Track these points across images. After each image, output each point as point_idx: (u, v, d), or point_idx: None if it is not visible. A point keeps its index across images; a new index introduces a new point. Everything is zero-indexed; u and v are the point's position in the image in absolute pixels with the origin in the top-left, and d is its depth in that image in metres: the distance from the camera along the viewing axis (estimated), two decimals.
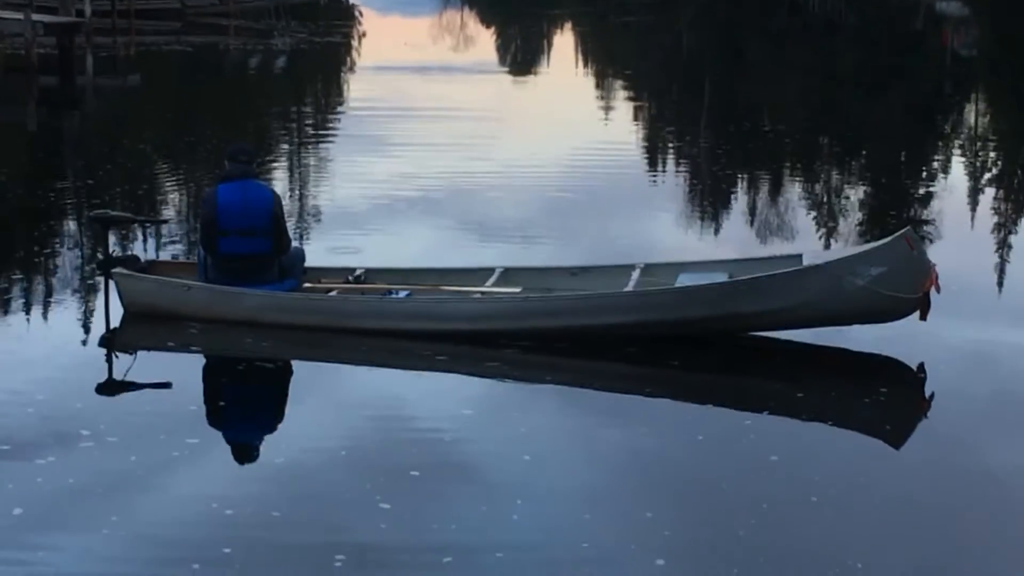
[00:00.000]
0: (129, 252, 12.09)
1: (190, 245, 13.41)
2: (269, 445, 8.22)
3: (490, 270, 11.06)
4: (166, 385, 9.16)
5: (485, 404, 8.88)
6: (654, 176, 18.85)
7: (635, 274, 10.67)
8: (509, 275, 10.97)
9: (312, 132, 22.85)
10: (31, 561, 6.23)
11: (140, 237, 13.73)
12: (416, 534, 6.59)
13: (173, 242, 13.84)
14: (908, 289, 9.55)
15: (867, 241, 12.43)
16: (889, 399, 8.98)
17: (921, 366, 9.48)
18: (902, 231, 9.74)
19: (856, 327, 9.81)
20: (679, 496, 7.13)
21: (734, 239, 14.47)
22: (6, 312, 11.14)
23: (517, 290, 10.62)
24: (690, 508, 6.96)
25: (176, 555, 6.28)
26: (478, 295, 10.51)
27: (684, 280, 10.30)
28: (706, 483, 7.34)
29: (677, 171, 19.33)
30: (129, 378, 9.26)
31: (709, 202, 17.04)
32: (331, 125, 24.04)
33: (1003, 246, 14.29)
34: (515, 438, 8.08)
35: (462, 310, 10.20)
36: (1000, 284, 12.52)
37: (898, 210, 16.21)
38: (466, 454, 7.83)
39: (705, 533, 6.64)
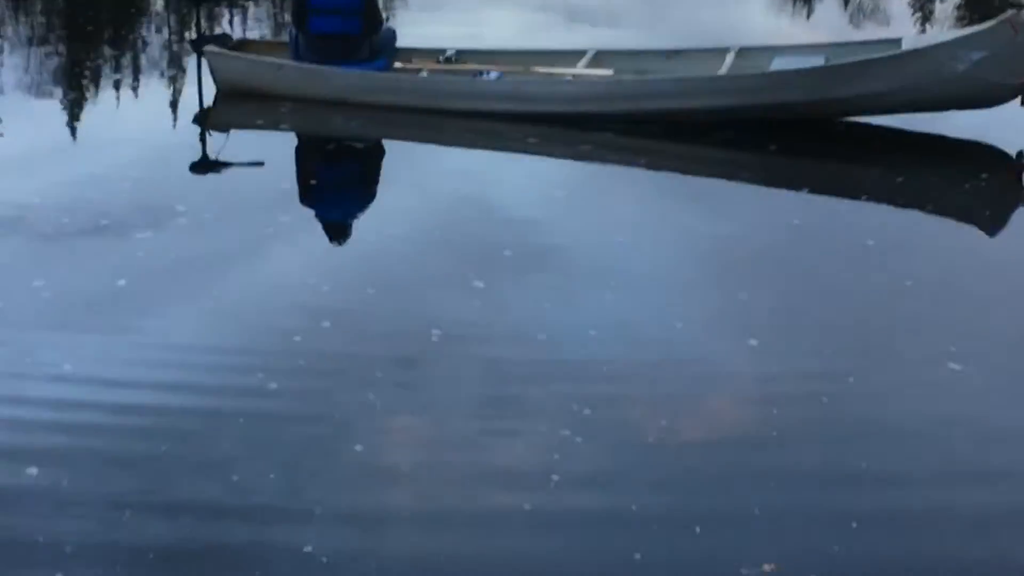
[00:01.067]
0: (220, 31, 12.06)
1: (279, 25, 13.34)
2: (362, 224, 8.27)
3: (582, 52, 10.92)
4: (259, 163, 9.19)
5: (577, 187, 8.84)
6: None
7: (729, 57, 10.49)
8: (602, 57, 10.83)
9: None
10: (139, 328, 6.33)
11: (230, 15, 13.68)
12: (510, 312, 6.62)
13: (262, 21, 13.78)
14: (1010, 74, 9.33)
15: (967, 25, 12.11)
16: (987, 186, 8.84)
17: (1020, 153, 9.31)
18: (1006, 14, 9.45)
19: (954, 113, 9.61)
20: (773, 279, 7.10)
21: (829, 24, 14.18)
22: (99, 90, 11.20)
23: (610, 72, 10.49)
24: (784, 291, 6.93)
25: (276, 325, 6.36)
26: (570, 77, 10.40)
27: (779, 64, 10.12)
28: (800, 267, 7.30)
29: None
30: (222, 156, 9.30)
31: None
32: None
33: None
34: (608, 221, 8.05)
35: (555, 91, 10.11)
36: None
37: None
38: (558, 236, 7.81)
39: (798, 315, 6.62)
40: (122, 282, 6.92)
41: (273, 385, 5.76)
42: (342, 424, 5.44)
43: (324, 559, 4.43)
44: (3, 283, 6.92)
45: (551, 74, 10.53)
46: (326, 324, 6.39)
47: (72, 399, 5.63)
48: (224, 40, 10.94)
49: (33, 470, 5.01)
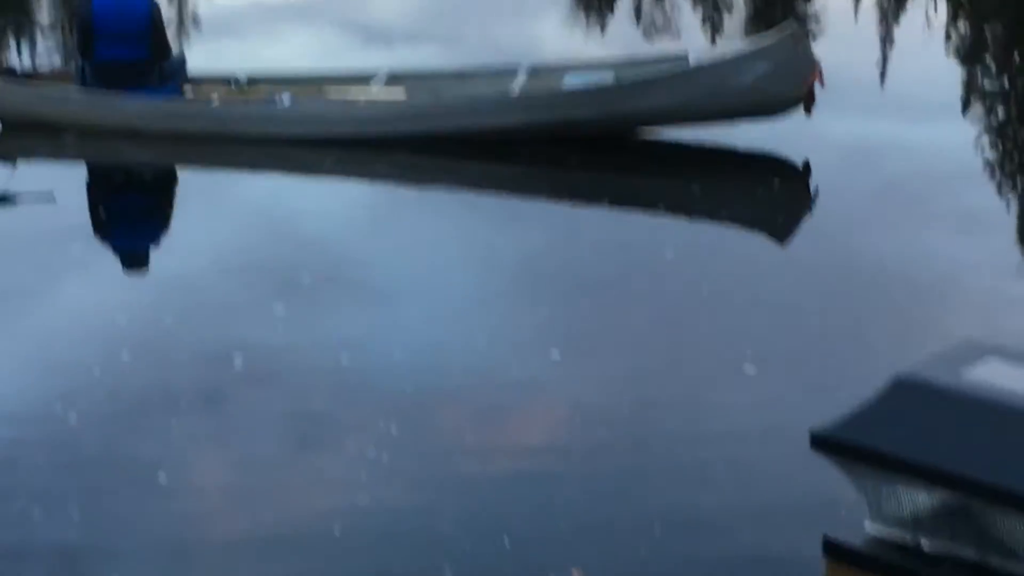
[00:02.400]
0: (6, 66, 11.78)
1: (67, 54, 13.07)
2: (157, 254, 8.16)
3: (374, 74, 10.91)
4: (47, 195, 8.96)
5: (376, 209, 8.83)
6: None
7: (521, 76, 10.59)
8: (394, 78, 10.84)
9: None
10: None
11: (14, 47, 13.36)
12: (312, 336, 6.56)
13: (54, 54, 13.49)
14: (793, 85, 9.62)
15: (753, 34, 12.42)
16: (777, 196, 9.09)
17: (807, 163, 9.58)
18: (788, 30, 9.74)
19: (744, 125, 9.84)
20: (575, 294, 7.16)
21: (621, 37, 14.43)
22: None
23: (402, 93, 10.50)
24: (585, 304, 7.01)
25: (73, 360, 6.22)
26: (363, 99, 10.38)
27: (571, 81, 10.25)
28: (601, 280, 7.37)
29: None
30: (8, 189, 9.05)
31: (595, 1, 16.96)
32: None
33: (886, 41, 14.40)
34: (408, 242, 8.04)
35: (348, 114, 10.07)
36: (883, 78, 12.64)
37: (783, 4, 16.22)
38: (359, 259, 7.79)
39: (600, 327, 6.70)
40: None
41: (73, 418, 5.63)
42: (145, 455, 5.34)
43: None
44: None
45: (344, 97, 10.50)
46: (125, 356, 6.27)
47: None
48: (10, 74, 10.71)
49: None
